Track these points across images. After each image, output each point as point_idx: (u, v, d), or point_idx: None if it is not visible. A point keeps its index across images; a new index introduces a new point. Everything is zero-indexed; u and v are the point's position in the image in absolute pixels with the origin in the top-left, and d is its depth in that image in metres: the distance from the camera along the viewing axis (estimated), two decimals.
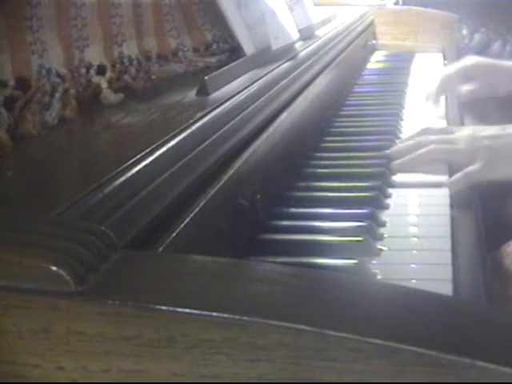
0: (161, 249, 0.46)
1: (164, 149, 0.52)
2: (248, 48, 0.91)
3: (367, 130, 1.08)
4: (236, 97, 0.70)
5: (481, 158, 0.83)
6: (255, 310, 0.31)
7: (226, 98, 0.68)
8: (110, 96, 0.68)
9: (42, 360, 0.33)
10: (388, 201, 0.77)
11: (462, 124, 1.12)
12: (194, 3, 0.96)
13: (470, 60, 1.23)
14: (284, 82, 0.86)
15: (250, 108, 0.71)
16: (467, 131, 0.90)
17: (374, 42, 1.85)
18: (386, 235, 0.68)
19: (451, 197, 0.78)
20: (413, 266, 0.62)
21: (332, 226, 0.69)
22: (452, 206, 0.75)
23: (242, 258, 0.60)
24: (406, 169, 0.88)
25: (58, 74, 0.64)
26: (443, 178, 0.84)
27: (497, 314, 0.34)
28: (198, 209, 0.53)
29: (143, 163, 0.48)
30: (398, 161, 0.89)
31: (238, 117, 0.67)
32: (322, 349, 0.30)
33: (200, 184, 0.55)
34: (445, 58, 1.77)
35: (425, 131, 0.94)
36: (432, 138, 0.90)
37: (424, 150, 0.88)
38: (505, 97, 1.26)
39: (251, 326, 0.30)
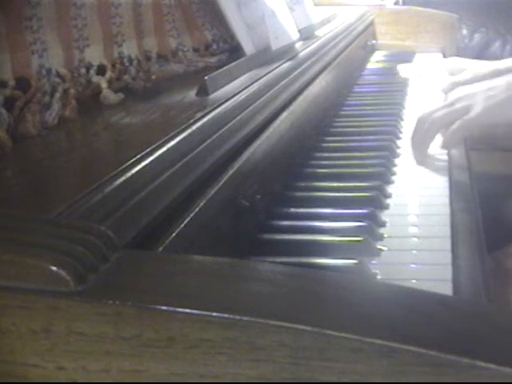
0: (161, 249, 0.46)
1: (164, 149, 0.52)
2: (248, 48, 0.91)
3: (367, 130, 1.07)
4: (236, 97, 0.70)
5: (477, 107, 0.91)
6: (255, 309, 0.31)
7: (226, 97, 0.68)
8: (110, 96, 0.68)
9: (42, 360, 0.33)
10: (388, 201, 0.77)
11: None
12: (194, 3, 0.96)
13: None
14: (284, 81, 0.86)
15: (250, 108, 0.71)
16: (462, 90, 0.97)
17: (373, 42, 1.85)
18: (385, 235, 0.68)
19: (451, 197, 0.78)
20: (413, 266, 0.61)
21: (332, 225, 0.69)
22: (452, 206, 0.75)
23: (242, 257, 0.60)
24: (422, 149, 0.93)
25: (58, 74, 0.64)
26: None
27: (497, 314, 0.34)
28: (197, 209, 0.53)
29: (143, 163, 0.48)
30: (412, 144, 0.95)
31: (238, 117, 0.67)
32: (322, 349, 0.30)
33: (200, 184, 0.55)
34: (445, 58, 1.77)
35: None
36: (429, 110, 0.96)
37: (427, 125, 0.93)
38: None
39: (251, 326, 0.30)
